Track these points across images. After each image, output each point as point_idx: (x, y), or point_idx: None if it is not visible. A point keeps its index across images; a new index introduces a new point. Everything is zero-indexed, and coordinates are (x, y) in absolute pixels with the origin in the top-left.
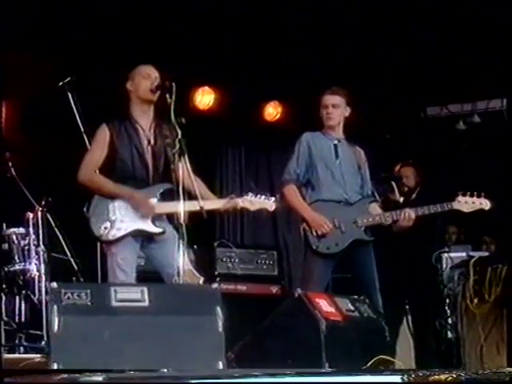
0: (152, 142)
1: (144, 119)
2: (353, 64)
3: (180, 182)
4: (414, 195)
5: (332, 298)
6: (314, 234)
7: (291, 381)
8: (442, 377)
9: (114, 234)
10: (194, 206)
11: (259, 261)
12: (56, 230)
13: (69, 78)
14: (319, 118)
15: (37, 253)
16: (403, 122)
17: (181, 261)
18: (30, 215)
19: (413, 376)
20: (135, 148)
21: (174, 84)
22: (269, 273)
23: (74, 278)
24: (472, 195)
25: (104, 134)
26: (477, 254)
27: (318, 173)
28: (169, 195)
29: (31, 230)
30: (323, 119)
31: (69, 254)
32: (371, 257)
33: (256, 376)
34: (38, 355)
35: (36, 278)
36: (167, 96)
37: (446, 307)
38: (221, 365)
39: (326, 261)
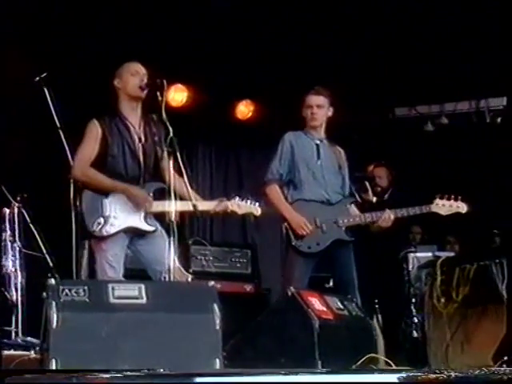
0: (143, 139)
1: (133, 116)
2: (323, 64)
3: (171, 181)
4: (386, 195)
5: (323, 297)
6: (295, 233)
7: (291, 379)
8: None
9: (108, 230)
10: (186, 205)
11: (233, 259)
12: (31, 226)
13: (45, 74)
14: (298, 118)
15: (13, 249)
16: (372, 123)
17: (171, 258)
18: (7, 211)
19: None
20: (127, 145)
21: (165, 81)
22: (242, 271)
23: (49, 275)
24: (449, 198)
25: (96, 129)
26: (443, 254)
27: (299, 173)
28: (159, 194)
29: (7, 225)
30: (307, 119)
31: (44, 250)
32: (351, 257)
33: (256, 374)
34: (30, 352)
35: (12, 274)
36: (158, 94)
37: (412, 306)
38: (218, 362)
39: (306, 260)
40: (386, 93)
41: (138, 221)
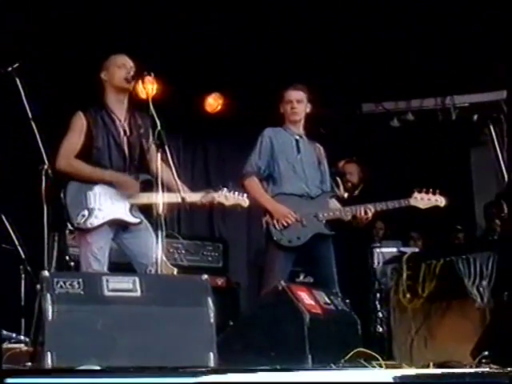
0: (128, 132)
1: (119, 109)
2: (291, 59)
3: (159, 173)
4: (356, 191)
5: (311, 291)
6: (277, 226)
7: (286, 378)
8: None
9: (92, 222)
10: (174, 197)
11: (205, 252)
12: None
13: (17, 64)
14: (267, 111)
15: None
16: (339, 118)
17: (159, 252)
18: None
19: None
20: (112, 137)
21: (152, 74)
22: (214, 265)
23: (21, 267)
24: (427, 192)
25: (81, 121)
26: (408, 250)
27: (279, 167)
28: (145, 186)
29: None
30: (287, 114)
31: (16, 242)
32: (331, 251)
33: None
34: (21, 345)
35: None
36: (145, 86)
37: (377, 302)
38: (211, 356)
39: (287, 254)
40: (354, 88)
41: (123, 213)
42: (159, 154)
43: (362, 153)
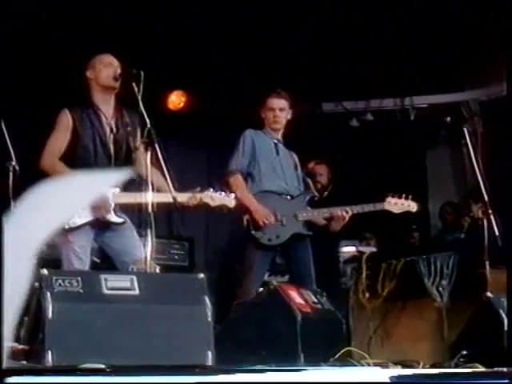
0: (114, 130)
1: (106, 107)
2: (253, 57)
3: (149, 172)
4: (325, 193)
5: (299, 290)
6: (257, 225)
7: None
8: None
9: (75, 221)
10: (164, 197)
11: (171, 251)
12: None
13: None
14: (228, 109)
15: None
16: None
17: (149, 250)
18: None
19: None
20: (98, 136)
21: (142, 72)
22: (180, 263)
23: None
24: (400, 197)
25: (66, 119)
26: (367, 249)
27: (259, 166)
28: (130, 185)
29: None
30: (268, 121)
31: None
32: (309, 251)
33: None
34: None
35: None
36: (134, 85)
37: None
38: (209, 354)
39: (266, 252)
40: (314, 87)
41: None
42: (149, 153)
43: (325, 153)
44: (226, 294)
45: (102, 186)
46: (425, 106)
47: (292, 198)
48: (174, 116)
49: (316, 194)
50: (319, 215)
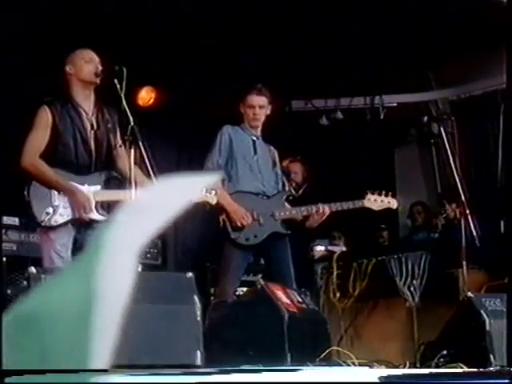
0: (95, 126)
1: (86, 103)
2: (221, 54)
3: (132, 170)
4: (300, 191)
5: (285, 290)
6: (234, 225)
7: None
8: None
9: (57, 219)
10: None
11: (143, 249)
12: None
13: None
14: (199, 106)
15: None
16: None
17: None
18: None
19: None
20: (78, 132)
21: (124, 69)
22: (153, 261)
23: None
24: (380, 194)
25: (46, 116)
26: (337, 249)
27: (237, 165)
28: (111, 183)
29: None
30: (247, 118)
31: None
32: (288, 250)
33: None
34: None
35: None
36: (116, 81)
37: None
38: (198, 354)
39: (244, 252)
40: (283, 84)
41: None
42: (132, 151)
43: (297, 152)
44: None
45: (197, 187)
46: (394, 105)
47: (269, 197)
48: (145, 112)
49: (294, 192)
50: (297, 213)
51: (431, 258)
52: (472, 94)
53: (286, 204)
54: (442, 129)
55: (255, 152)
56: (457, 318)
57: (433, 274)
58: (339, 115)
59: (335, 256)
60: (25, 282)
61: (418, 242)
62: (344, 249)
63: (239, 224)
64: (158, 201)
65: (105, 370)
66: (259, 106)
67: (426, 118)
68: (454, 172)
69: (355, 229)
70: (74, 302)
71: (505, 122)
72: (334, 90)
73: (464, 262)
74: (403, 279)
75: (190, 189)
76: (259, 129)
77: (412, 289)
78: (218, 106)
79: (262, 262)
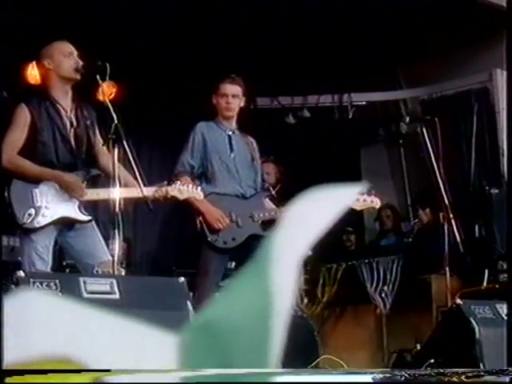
0: (75, 124)
1: (65, 100)
2: (184, 47)
3: (115, 168)
4: (273, 192)
5: None
6: (211, 227)
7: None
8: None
9: (39, 221)
10: (129, 192)
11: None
12: None
13: None
14: (159, 100)
15: None
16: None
17: (116, 251)
18: None
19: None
20: (58, 130)
21: (107, 64)
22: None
23: None
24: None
25: (24, 114)
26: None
27: (212, 166)
28: (93, 182)
29: None
30: (220, 109)
31: None
32: None
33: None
34: None
35: None
36: (98, 77)
37: None
38: None
39: (221, 255)
40: (248, 80)
41: (72, 210)
42: (116, 149)
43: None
44: None
45: (350, 195)
46: (363, 103)
47: (247, 198)
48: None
49: (273, 192)
50: (277, 215)
51: (403, 263)
52: (444, 93)
53: (266, 204)
54: (424, 129)
55: (231, 149)
56: (444, 325)
57: (405, 280)
58: (306, 113)
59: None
60: (13, 287)
61: (387, 246)
62: (310, 253)
63: (215, 226)
64: (314, 211)
65: (107, 371)
66: (232, 94)
67: (407, 119)
68: (437, 175)
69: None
70: (250, 311)
71: (478, 123)
72: (301, 87)
73: (447, 268)
74: (374, 285)
75: (343, 198)
76: (234, 121)
77: (383, 295)
78: (186, 101)
79: (232, 266)
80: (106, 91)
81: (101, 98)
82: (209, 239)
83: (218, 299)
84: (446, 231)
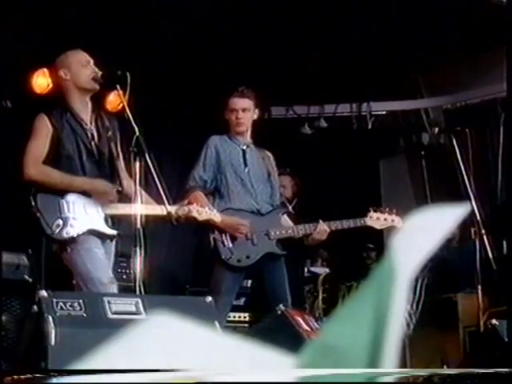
0: (96, 136)
1: (84, 111)
2: (195, 57)
3: (137, 183)
4: (290, 207)
5: (304, 316)
6: (226, 243)
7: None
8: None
9: (68, 231)
10: (155, 209)
11: (119, 270)
12: None
13: None
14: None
15: None
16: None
17: (138, 268)
18: None
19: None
20: (83, 144)
21: (128, 74)
22: (128, 283)
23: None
24: (383, 212)
25: (46, 125)
26: (319, 270)
27: (227, 180)
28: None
29: None
30: (231, 124)
31: None
32: (283, 270)
33: None
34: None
35: None
36: (118, 87)
37: None
38: None
39: (235, 273)
40: (263, 90)
41: (99, 223)
42: (137, 163)
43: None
44: None
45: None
46: (383, 112)
47: (263, 215)
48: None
49: (291, 209)
50: (294, 233)
51: (427, 281)
52: (469, 102)
53: (284, 221)
54: (454, 140)
55: (245, 164)
56: (480, 346)
57: (429, 299)
58: (323, 123)
59: (321, 278)
60: (35, 307)
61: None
62: (328, 270)
63: (238, 234)
64: (430, 224)
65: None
66: (242, 109)
67: (436, 130)
68: (469, 189)
69: (339, 248)
70: (368, 336)
71: (505, 134)
72: (318, 96)
73: (479, 287)
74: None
75: (453, 218)
76: (248, 135)
77: (407, 315)
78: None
79: (248, 284)
80: (114, 101)
81: (108, 107)
82: (222, 257)
83: (338, 321)
84: (477, 247)
